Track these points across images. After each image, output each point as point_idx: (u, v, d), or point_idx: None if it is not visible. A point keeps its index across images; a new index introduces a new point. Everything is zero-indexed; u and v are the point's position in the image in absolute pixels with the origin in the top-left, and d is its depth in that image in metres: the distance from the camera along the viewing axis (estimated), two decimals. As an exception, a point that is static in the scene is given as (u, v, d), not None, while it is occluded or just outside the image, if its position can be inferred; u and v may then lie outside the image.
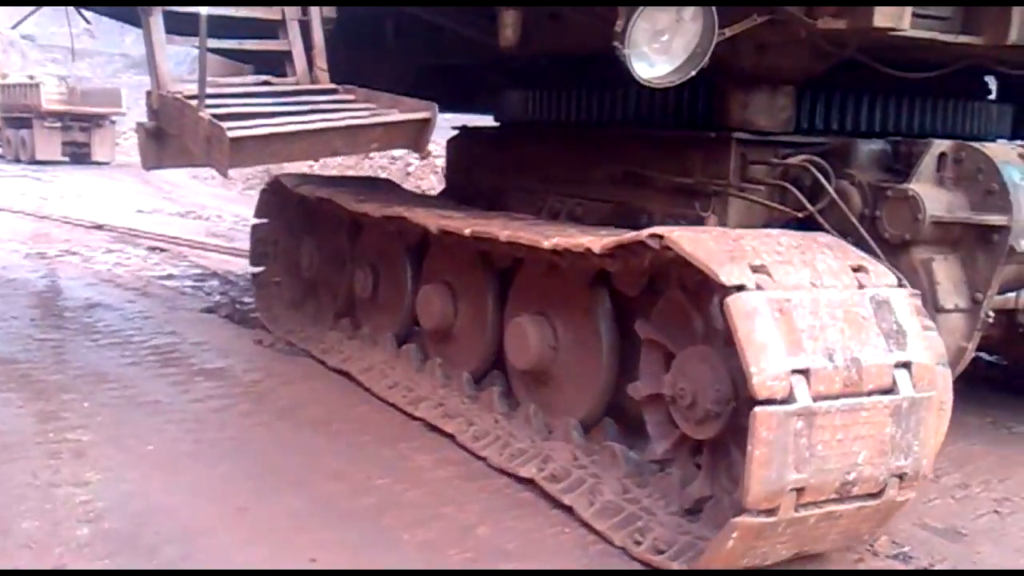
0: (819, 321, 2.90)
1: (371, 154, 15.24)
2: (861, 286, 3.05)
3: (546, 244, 3.73)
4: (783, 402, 2.79)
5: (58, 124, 23.31)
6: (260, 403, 4.91)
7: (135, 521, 3.46)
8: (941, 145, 3.90)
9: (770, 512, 2.85)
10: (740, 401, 3.06)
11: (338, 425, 4.61)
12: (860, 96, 4.51)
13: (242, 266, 8.30)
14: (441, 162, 14.58)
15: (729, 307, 2.87)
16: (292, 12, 4.83)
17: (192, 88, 4.48)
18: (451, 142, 6.20)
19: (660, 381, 3.44)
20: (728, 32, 3.43)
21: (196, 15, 4.21)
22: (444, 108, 4.54)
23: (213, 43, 4.40)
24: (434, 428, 4.54)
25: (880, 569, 3.40)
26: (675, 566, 3.16)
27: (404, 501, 3.75)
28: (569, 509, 3.65)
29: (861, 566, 3.40)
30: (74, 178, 19.71)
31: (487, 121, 6.26)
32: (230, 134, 3.99)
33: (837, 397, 2.86)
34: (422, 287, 5.01)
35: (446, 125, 4.71)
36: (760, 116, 4.14)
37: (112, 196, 16.47)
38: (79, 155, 23.66)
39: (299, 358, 5.78)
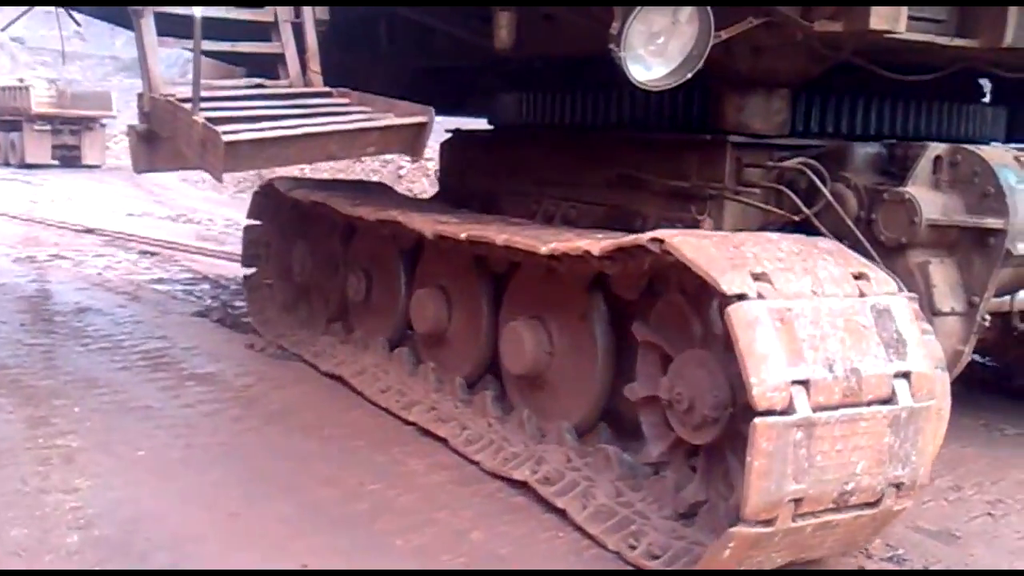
0: (820, 331, 2.89)
1: (363, 158, 15.18)
2: (862, 294, 3.04)
3: (544, 249, 3.71)
4: (783, 413, 2.77)
5: (48, 127, 23.24)
6: (251, 408, 4.89)
7: (125, 528, 3.43)
8: (937, 148, 3.88)
9: (768, 522, 2.84)
10: (738, 407, 3.05)
11: (330, 430, 4.59)
12: (855, 99, 4.50)
13: (233, 270, 8.27)
14: (433, 165, 14.58)
15: (730, 316, 2.85)
16: (285, 14, 4.80)
17: (184, 91, 4.45)
18: (445, 145, 6.17)
19: (657, 383, 3.42)
20: (724, 34, 3.41)
21: (187, 17, 4.17)
22: (438, 111, 4.52)
23: (205, 45, 4.35)
24: (427, 432, 4.52)
25: (875, 569, 3.40)
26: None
27: (397, 506, 3.74)
28: (563, 513, 3.64)
29: (853, 568, 3.39)
30: (64, 181, 19.65)
31: (481, 124, 6.24)
32: (225, 138, 3.96)
33: (836, 408, 2.85)
34: (416, 291, 4.98)
35: (439, 128, 4.68)
36: (755, 119, 4.13)
37: (102, 199, 16.42)
38: (69, 158, 23.59)
39: (291, 362, 5.76)
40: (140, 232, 11.81)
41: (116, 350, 5.94)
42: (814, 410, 2.81)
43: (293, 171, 6.13)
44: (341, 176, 14.31)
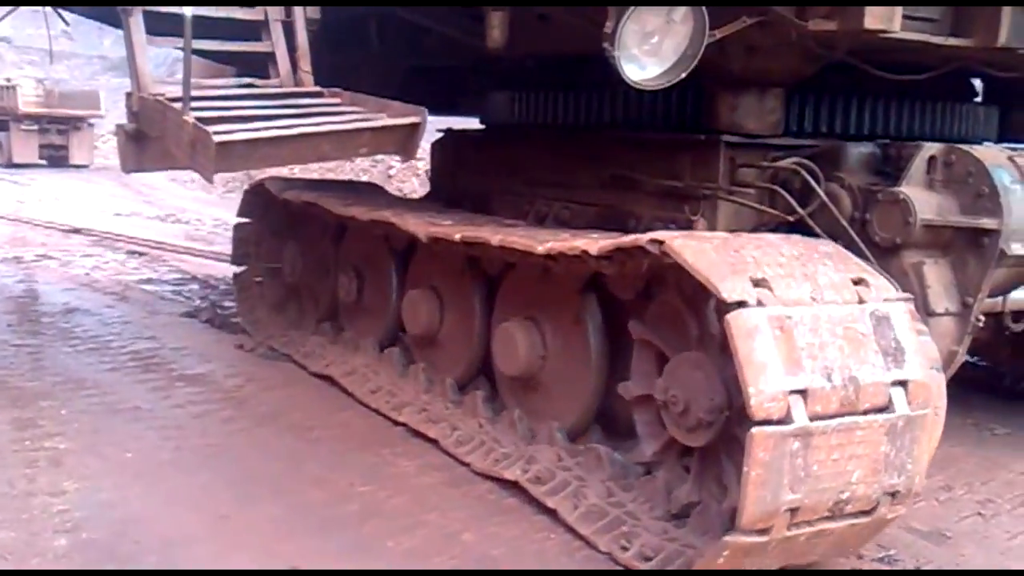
0: (819, 339, 2.88)
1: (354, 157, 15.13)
2: (861, 301, 3.03)
3: (540, 249, 3.69)
4: (780, 422, 2.76)
5: (35, 127, 23.07)
6: (241, 409, 4.87)
7: (114, 531, 3.41)
8: (931, 148, 3.87)
9: (763, 532, 2.84)
10: (733, 410, 3.03)
11: (320, 431, 4.58)
12: (849, 99, 4.49)
13: (222, 270, 8.23)
14: (423, 165, 14.55)
15: (729, 324, 2.83)
16: (275, 13, 4.77)
17: (173, 90, 4.41)
18: (436, 145, 6.15)
19: (652, 382, 3.41)
20: (718, 34, 3.39)
21: (176, 16, 4.14)
22: (429, 110, 4.49)
23: (195, 44, 4.32)
24: (417, 433, 4.50)
25: (873, 570, 3.40)
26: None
27: (387, 508, 3.73)
28: (554, 514, 3.63)
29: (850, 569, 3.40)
30: (52, 181, 19.54)
31: (472, 123, 6.21)
32: (216, 138, 3.92)
33: (833, 417, 2.84)
34: (408, 292, 4.95)
35: (431, 127, 4.66)
36: (749, 119, 4.10)
37: (90, 199, 16.33)
38: (57, 158, 23.43)
39: (280, 363, 5.73)
40: (128, 232, 11.75)
41: (104, 351, 5.91)
42: (811, 419, 2.79)
43: (283, 171, 6.11)
44: (331, 176, 14.28)
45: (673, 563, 3.16)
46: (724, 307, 2.87)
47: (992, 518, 3.92)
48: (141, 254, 10.11)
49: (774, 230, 3.88)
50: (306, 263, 5.97)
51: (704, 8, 3.31)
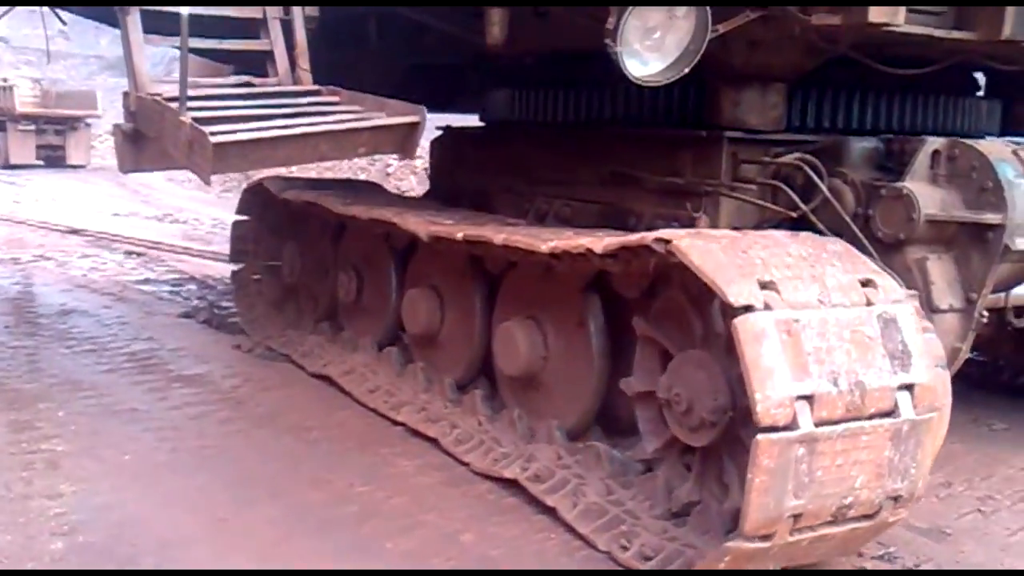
0: (826, 343, 2.84)
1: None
2: (869, 303, 2.99)
3: (544, 248, 3.65)
4: (786, 429, 2.73)
5: (32, 127, 22.98)
6: (239, 410, 4.84)
7: (111, 533, 3.39)
8: (934, 143, 3.84)
9: (766, 537, 2.81)
10: (737, 411, 3.00)
11: (318, 431, 4.55)
12: (851, 93, 4.46)
13: (220, 270, 8.20)
14: (421, 163, 14.51)
15: (736, 329, 2.79)
16: (273, 11, 4.74)
17: (170, 89, 4.38)
18: (435, 142, 6.12)
19: (654, 379, 3.37)
20: (721, 28, 3.36)
21: (174, 14, 4.10)
22: (428, 108, 4.46)
23: (192, 43, 4.29)
24: (416, 433, 4.48)
25: (875, 569, 3.38)
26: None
27: (386, 508, 3.71)
28: (554, 513, 3.61)
29: (847, 568, 3.38)
30: (49, 182, 19.49)
31: (472, 121, 6.18)
32: (213, 139, 3.88)
33: (839, 422, 2.81)
34: (408, 291, 4.92)
35: (430, 125, 4.64)
36: (751, 114, 4.08)
37: (87, 200, 16.28)
38: (54, 158, 23.35)
39: (278, 363, 5.70)
40: (126, 232, 11.70)
41: (101, 352, 5.87)
42: (817, 425, 2.76)
43: (280, 169, 6.08)
44: (329, 174, 14.24)
45: (673, 563, 3.13)
46: (731, 311, 2.83)
47: (992, 514, 3.91)
48: (139, 254, 10.07)
49: (777, 226, 3.85)
50: (305, 263, 5.93)
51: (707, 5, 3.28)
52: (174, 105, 4.17)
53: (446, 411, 4.49)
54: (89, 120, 23.98)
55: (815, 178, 3.88)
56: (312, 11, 4.79)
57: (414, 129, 4.39)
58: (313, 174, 12.14)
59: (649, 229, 4.01)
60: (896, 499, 2.97)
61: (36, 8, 7.21)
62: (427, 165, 7.06)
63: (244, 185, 7.01)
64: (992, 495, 4.09)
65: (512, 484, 3.86)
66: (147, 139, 4.60)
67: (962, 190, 3.76)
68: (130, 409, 4.76)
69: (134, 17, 4.47)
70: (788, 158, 4.00)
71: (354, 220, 5.09)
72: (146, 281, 8.47)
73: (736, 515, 2.91)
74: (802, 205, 3.88)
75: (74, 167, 23.24)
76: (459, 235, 4.14)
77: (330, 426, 4.62)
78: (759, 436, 2.70)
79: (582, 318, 3.87)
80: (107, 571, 3.14)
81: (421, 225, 4.42)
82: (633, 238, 3.29)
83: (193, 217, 13.85)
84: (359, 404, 4.91)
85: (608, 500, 3.52)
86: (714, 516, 3.18)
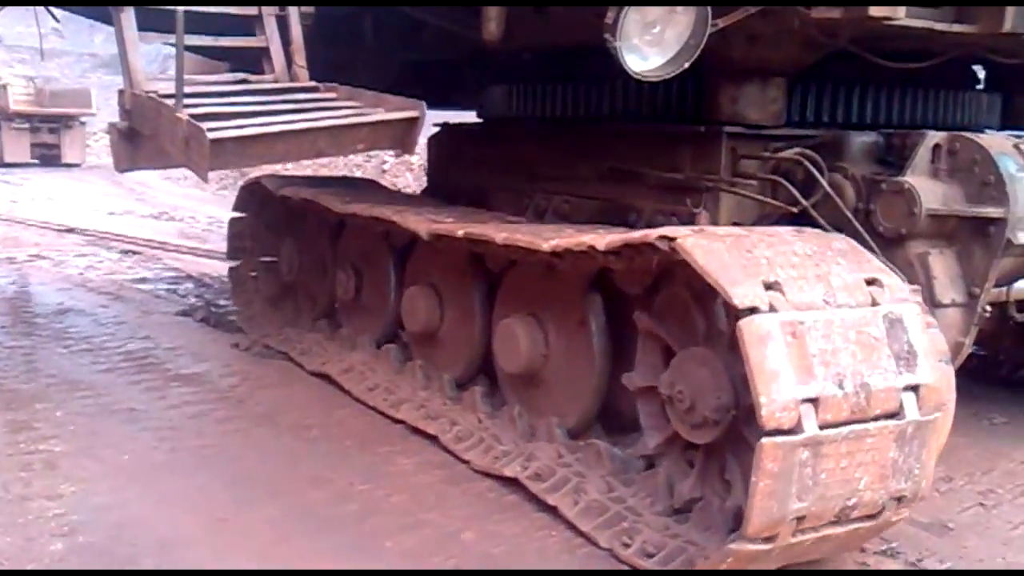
0: (831, 344, 2.81)
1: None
2: (875, 303, 2.96)
3: (546, 246, 3.62)
4: (790, 432, 2.70)
5: (26, 126, 22.93)
6: (237, 409, 4.82)
7: (110, 534, 3.37)
8: (935, 136, 3.82)
9: (769, 539, 2.80)
10: (741, 410, 2.99)
11: (317, 430, 4.53)
12: (851, 87, 4.45)
13: (217, 268, 8.17)
14: (417, 160, 14.48)
15: (741, 331, 2.76)
16: (269, 8, 4.71)
17: (166, 87, 4.36)
18: (432, 139, 6.10)
19: (657, 374, 3.36)
20: (721, 23, 3.34)
21: (169, 11, 4.08)
22: (426, 104, 4.44)
23: (188, 40, 4.27)
24: (416, 430, 4.46)
25: (878, 569, 3.36)
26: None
27: (386, 507, 3.70)
28: (554, 511, 3.59)
29: (849, 564, 3.37)
30: (44, 180, 19.45)
31: (469, 117, 6.16)
32: (210, 135, 3.86)
33: (844, 424, 2.78)
34: (407, 289, 4.90)
35: (427, 122, 4.62)
36: (750, 109, 4.06)
37: (83, 198, 16.25)
38: (49, 157, 23.30)
39: (276, 361, 5.68)
40: (122, 231, 11.67)
41: (99, 351, 5.84)
42: (821, 428, 2.74)
43: (276, 166, 6.06)
44: (324, 171, 14.23)
45: (675, 559, 3.12)
46: (736, 312, 2.81)
47: (993, 508, 3.90)
48: (135, 253, 10.04)
49: (777, 222, 3.83)
50: (303, 261, 5.91)
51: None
52: (170, 102, 4.15)
53: (445, 408, 4.47)
54: (84, 118, 23.94)
55: (815, 173, 3.86)
56: (308, 8, 4.77)
57: (413, 124, 4.37)
58: (308, 171, 12.14)
59: (649, 225, 4.01)
60: (900, 499, 2.96)
61: (30, 6, 7.18)
62: (424, 162, 7.03)
63: (240, 183, 6.98)
64: (993, 489, 4.08)
65: (512, 482, 3.84)
66: (143, 137, 4.58)
67: (963, 184, 3.75)
68: (128, 409, 4.74)
69: (128, 14, 4.44)
70: (788, 153, 3.98)
71: (354, 218, 5.07)
72: (143, 280, 8.44)
73: (738, 513, 2.90)
74: (802, 200, 3.87)
75: (69, 166, 23.20)
76: (460, 233, 4.12)
77: (329, 424, 4.60)
78: (763, 440, 2.68)
79: (583, 315, 3.85)
80: (107, 571, 3.13)
81: (421, 223, 4.40)
82: (636, 236, 3.26)
83: (189, 215, 13.82)
84: (358, 402, 4.88)
85: (609, 497, 3.51)
86: (716, 513, 3.16)
